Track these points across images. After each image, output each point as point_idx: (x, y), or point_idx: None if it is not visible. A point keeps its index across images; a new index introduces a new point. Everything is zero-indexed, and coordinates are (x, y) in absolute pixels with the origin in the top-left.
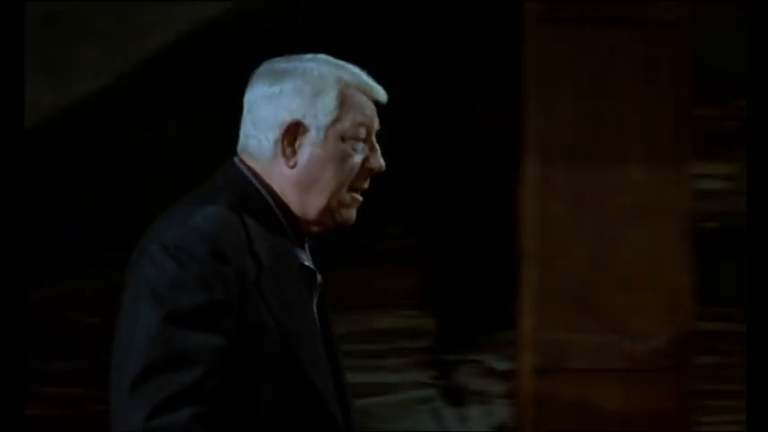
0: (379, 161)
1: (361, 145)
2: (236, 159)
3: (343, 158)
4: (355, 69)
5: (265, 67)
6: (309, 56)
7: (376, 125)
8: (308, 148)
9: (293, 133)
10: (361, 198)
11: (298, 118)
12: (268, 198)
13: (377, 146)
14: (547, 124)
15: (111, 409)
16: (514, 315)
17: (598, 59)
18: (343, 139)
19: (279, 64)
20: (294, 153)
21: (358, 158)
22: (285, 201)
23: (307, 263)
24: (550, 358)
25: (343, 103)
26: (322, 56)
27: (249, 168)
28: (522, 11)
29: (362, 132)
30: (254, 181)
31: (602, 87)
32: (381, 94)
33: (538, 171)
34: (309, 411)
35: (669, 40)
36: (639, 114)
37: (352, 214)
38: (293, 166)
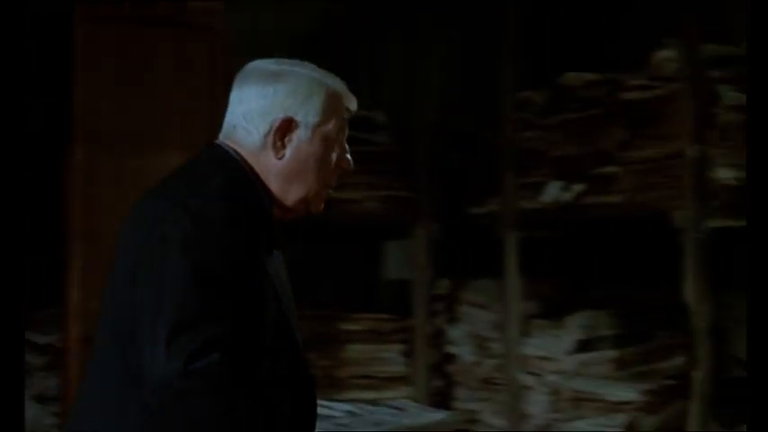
0: (350, 161)
1: (337, 146)
2: (222, 143)
3: (324, 156)
4: (337, 79)
5: (255, 67)
6: (296, 61)
7: (347, 129)
8: (296, 144)
9: (284, 129)
10: (331, 192)
11: (290, 115)
12: (256, 182)
13: (347, 147)
14: (93, 114)
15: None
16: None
17: (140, 56)
18: (325, 139)
19: (270, 66)
20: (283, 146)
21: (334, 157)
22: (268, 186)
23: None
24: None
25: (329, 107)
26: (308, 63)
27: (236, 153)
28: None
29: (340, 135)
30: (243, 165)
31: (143, 82)
32: (355, 103)
33: (84, 156)
34: (297, 371)
35: (204, 41)
36: (176, 107)
37: (321, 205)
38: (281, 158)
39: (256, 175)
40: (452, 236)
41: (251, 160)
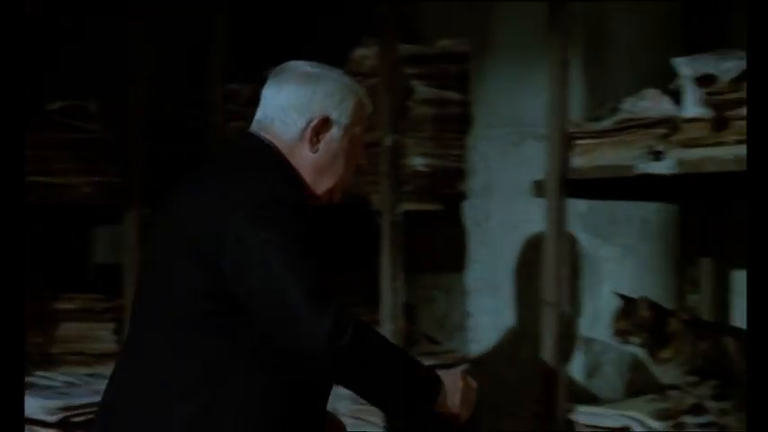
0: (364, 158)
1: (359, 149)
2: (257, 134)
3: (350, 154)
4: (360, 87)
5: (294, 67)
6: (327, 66)
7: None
8: (329, 140)
9: (321, 126)
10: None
11: (327, 114)
12: (294, 172)
13: (362, 145)
14: None
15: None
16: None
17: None
18: (352, 138)
19: (307, 68)
20: (318, 141)
21: (357, 156)
22: (301, 175)
23: None
24: None
25: (357, 112)
26: (337, 69)
27: (272, 144)
28: None
29: (361, 140)
30: (282, 157)
31: None
32: (371, 108)
33: None
34: None
35: None
36: None
37: (340, 195)
38: (315, 152)
39: (291, 165)
40: None
41: (286, 151)
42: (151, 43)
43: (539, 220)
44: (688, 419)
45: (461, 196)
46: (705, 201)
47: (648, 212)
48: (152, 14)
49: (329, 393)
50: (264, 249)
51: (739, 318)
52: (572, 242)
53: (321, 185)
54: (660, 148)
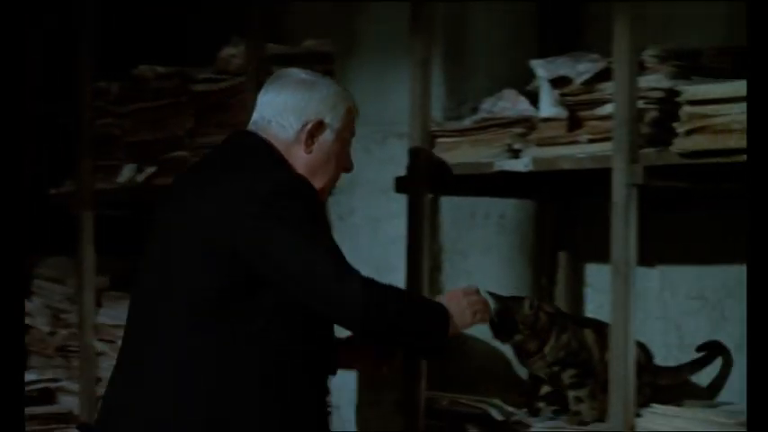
0: (351, 163)
1: (348, 152)
2: (254, 133)
3: (340, 156)
4: (351, 94)
5: (290, 74)
6: (320, 75)
7: None
8: (322, 142)
9: (316, 129)
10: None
11: (322, 118)
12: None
13: (350, 151)
14: None
15: (321, 304)
16: None
17: None
18: (342, 141)
19: (302, 75)
20: (312, 143)
21: (344, 160)
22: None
23: None
24: None
25: (347, 117)
26: (329, 78)
27: (270, 142)
28: None
29: (349, 143)
30: (280, 156)
31: None
32: (358, 114)
33: None
34: None
35: None
36: None
37: (327, 195)
38: (309, 153)
39: (289, 164)
40: (31, 215)
41: (282, 150)
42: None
43: (401, 215)
44: (543, 405)
45: None
46: (560, 197)
47: (506, 208)
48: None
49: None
50: (287, 231)
51: (592, 310)
52: (433, 237)
53: (313, 184)
54: (518, 146)
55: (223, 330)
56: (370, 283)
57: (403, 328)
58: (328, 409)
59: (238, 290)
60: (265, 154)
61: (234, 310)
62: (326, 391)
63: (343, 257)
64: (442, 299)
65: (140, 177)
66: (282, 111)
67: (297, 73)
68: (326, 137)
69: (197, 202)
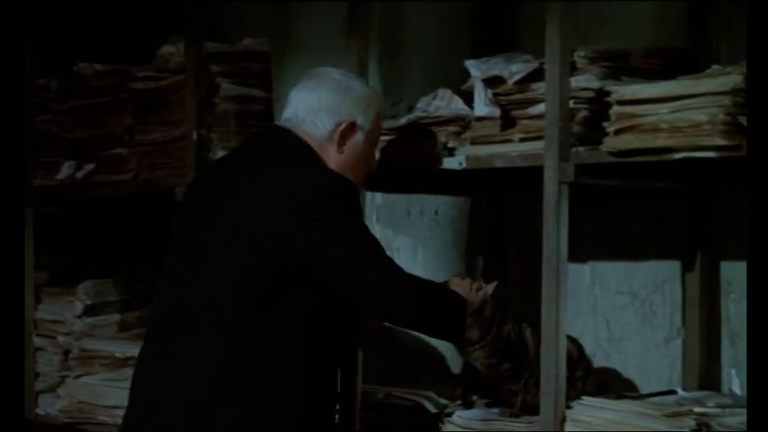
0: (376, 164)
1: (374, 153)
2: (288, 129)
3: (368, 157)
4: (380, 95)
5: (326, 73)
6: (354, 75)
7: None
8: (353, 143)
9: (348, 129)
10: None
11: (354, 120)
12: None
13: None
14: None
15: (379, 303)
16: None
17: None
18: (371, 142)
19: (336, 75)
20: (344, 143)
21: (371, 161)
22: None
23: None
24: None
25: (377, 119)
26: (362, 78)
27: (303, 140)
28: None
29: (376, 144)
30: (313, 152)
31: None
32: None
33: None
34: None
35: None
36: None
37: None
38: (341, 153)
39: (323, 161)
40: None
41: (315, 147)
42: None
43: None
44: (476, 398)
45: None
46: (493, 194)
47: (440, 205)
48: None
49: None
50: (338, 232)
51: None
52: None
53: None
54: (452, 144)
55: (263, 326)
56: (417, 282)
57: (443, 321)
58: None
59: (280, 287)
60: (303, 152)
61: (274, 307)
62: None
63: (389, 256)
64: (453, 287)
65: (79, 174)
66: (317, 110)
67: (332, 72)
68: (358, 138)
69: (233, 200)
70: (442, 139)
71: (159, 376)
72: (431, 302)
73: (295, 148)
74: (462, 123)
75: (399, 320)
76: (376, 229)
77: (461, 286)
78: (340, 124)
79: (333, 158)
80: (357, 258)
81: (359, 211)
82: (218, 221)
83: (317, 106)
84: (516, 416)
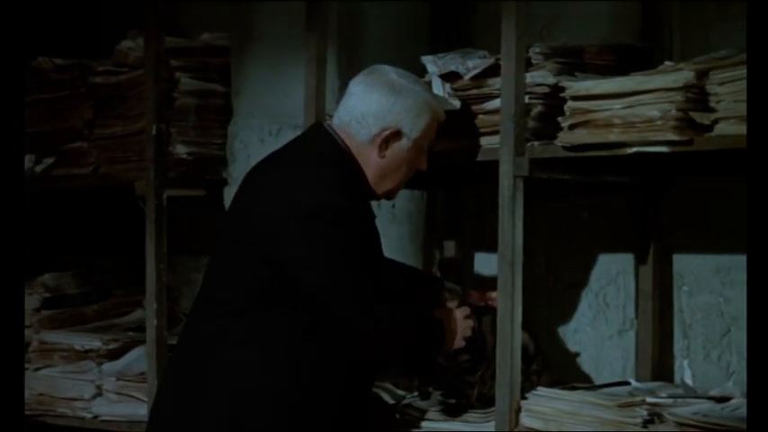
0: (425, 164)
1: (424, 155)
2: (332, 129)
3: (413, 162)
4: (440, 98)
5: (381, 73)
6: (411, 77)
7: None
8: (396, 149)
9: (392, 136)
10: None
11: (400, 127)
12: (360, 172)
13: (426, 152)
14: None
15: (335, 328)
16: None
17: None
18: (418, 149)
19: (392, 76)
20: (386, 148)
21: (419, 163)
22: (365, 174)
23: None
24: None
25: (429, 126)
26: (420, 80)
27: (344, 143)
28: None
29: (426, 148)
30: (352, 158)
31: None
32: (444, 117)
33: None
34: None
35: None
36: None
37: (395, 196)
38: (382, 158)
39: (359, 165)
40: None
41: (355, 150)
42: None
43: None
44: (432, 389)
45: (223, 182)
46: (450, 188)
47: (398, 199)
48: None
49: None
50: (313, 257)
51: None
52: None
53: (381, 187)
54: None
55: (261, 323)
56: (381, 320)
57: (403, 357)
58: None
59: (279, 290)
60: (328, 160)
61: (273, 308)
62: (362, 406)
63: (367, 290)
64: (443, 314)
65: (39, 168)
66: (365, 112)
67: (388, 73)
68: (402, 145)
69: (248, 201)
70: None
71: (184, 361)
72: (392, 344)
73: (319, 153)
74: None
75: (358, 355)
76: None
77: (453, 321)
78: (384, 130)
79: (373, 163)
80: (329, 287)
81: (348, 240)
82: (235, 220)
83: (365, 109)
84: (472, 407)
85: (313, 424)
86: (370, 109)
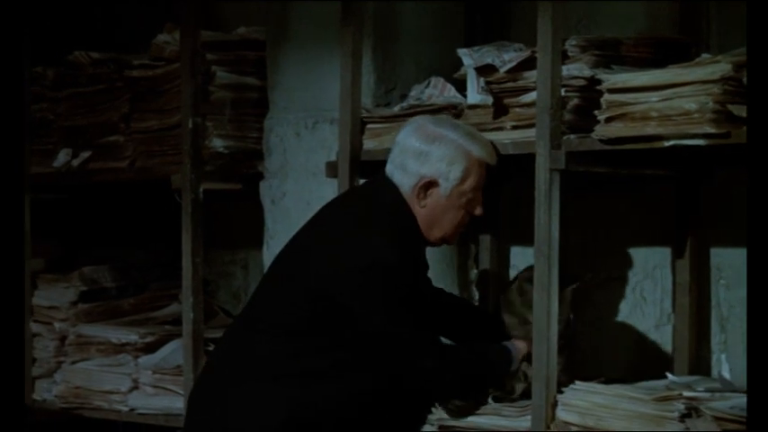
0: (480, 210)
1: (472, 198)
2: (390, 183)
3: (458, 208)
4: (482, 143)
5: (421, 125)
6: (452, 123)
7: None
8: (435, 198)
9: (428, 186)
10: (462, 230)
11: (435, 177)
12: (414, 222)
13: (480, 197)
14: None
15: (396, 373)
16: None
17: None
18: (461, 195)
19: (430, 126)
20: (425, 197)
21: (467, 208)
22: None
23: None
24: None
25: (468, 170)
26: (463, 127)
27: (398, 195)
28: None
29: (475, 190)
30: (408, 209)
31: None
32: (494, 160)
33: None
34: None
35: None
36: None
37: (455, 239)
38: (423, 207)
39: (412, 215)
40: None
41: (406, 199)
42: None
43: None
44: None
45: (259, 176)
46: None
47: None
48: None
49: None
50: (370, 309)
51: None
52: None
53: (432, 235)
54: None
55: (299, 348)
56: (440, 365)
57: (466, 391)
58: None
59: (322, 326)
60: (386, 211)
61: (316, 338)
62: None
63: (424, 338)
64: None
65: (76, 162)
66: (405, 164)
67: (425, 123)
68: (439, 192)
69: (304, 245)
70: None
71: (218, 369)
72: (453, 384)
73: (382, 206)
74: (455, 111)
75: (422, 397)
76: None
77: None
78: (421, 180)
79: (418, 213)
80: (388, 339)
81: (402, 294)
82: (291, 258)
83: (405, 159)
84: (513, 401)
85: None
86: (406, 162)
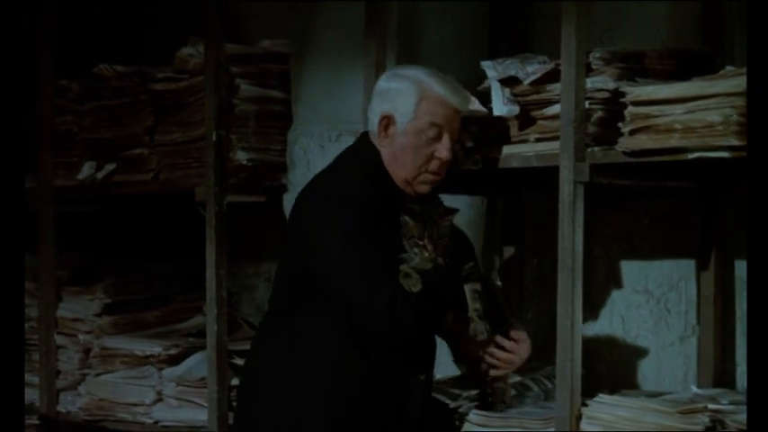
0: (443, 152)
1: (432, 139)
2: (366, 133)
3: (417, 147)
4: (447, 83)
5: (395, 67)
6: (425, 68)
7: (451, 124)
8: (393, 136)
9: (385, 123)
10: (433, 178)
11: (391, 112)
12: (381, 165)
13: (445, 140)
14: None
15: (348, 311)
16: None
17: None
18: (418, 132)
19: (395, 70)
20: (386, 136)
21: (428, 149)
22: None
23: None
24: None
25: (423, 107)
26: (435, 72)
27: (370, 141)
28: None
29: (434, 131)
30: (377, 152)
31: None
32: (461, 103)
33: None
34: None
35: None
36: None
37: (424, 189)
38: (385, 147)
39: (380, 160)
40: None
41: (377, 144)
42: None
43: None
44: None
45: (282, 188)
46: (509, 194)
47: (458, 205)
48: None
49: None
50: (323, 237)
51: None
52: None
53: (397, 177)
54: (470, 144)
55: (295, 325)
56: (394, 301)
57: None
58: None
59: (307, 288)
60: (355, 155)
61: (302, 308)
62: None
63: (373, 270)
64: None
65: (100, 174)
66: (372, 105)
67: (393, 69)
68: (397, 130)
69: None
70: (461, 138)
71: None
72: (405, 323)
73: (351, 152)
74: (480, 123)
75: (373, 338)
76: None
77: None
78: (383, 118)
79: (384, 152)
80: (339, 270)
81: (359, 221)
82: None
83: (372, 103)
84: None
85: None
86: (373, 103)
